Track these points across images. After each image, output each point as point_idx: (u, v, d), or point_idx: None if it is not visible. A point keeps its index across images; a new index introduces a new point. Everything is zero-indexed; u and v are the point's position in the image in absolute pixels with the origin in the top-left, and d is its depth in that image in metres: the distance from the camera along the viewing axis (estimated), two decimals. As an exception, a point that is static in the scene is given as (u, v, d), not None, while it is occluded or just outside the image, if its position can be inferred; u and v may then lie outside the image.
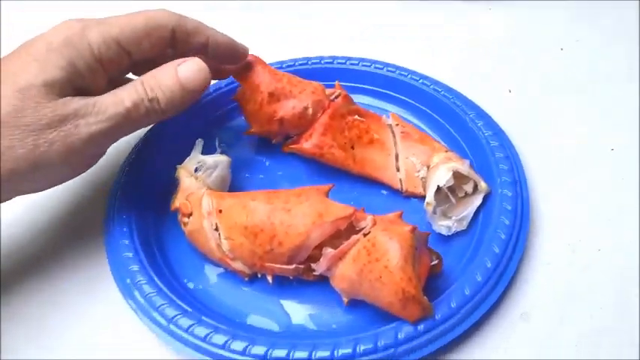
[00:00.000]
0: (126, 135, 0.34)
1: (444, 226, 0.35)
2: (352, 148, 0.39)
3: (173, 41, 0.36)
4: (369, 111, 0.41)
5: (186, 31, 0.36)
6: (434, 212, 0.35)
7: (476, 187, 0.37)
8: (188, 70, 0.34)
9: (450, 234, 0.36)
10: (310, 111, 0.39)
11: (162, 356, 0.33)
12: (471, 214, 0.36)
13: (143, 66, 0.36)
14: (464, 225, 0.36)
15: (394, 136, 0.40)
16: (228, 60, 0.39)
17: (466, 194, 0.37)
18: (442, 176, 0.35)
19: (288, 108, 0.39)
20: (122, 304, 0.34)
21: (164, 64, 0.34)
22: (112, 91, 0.33)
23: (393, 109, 0.44)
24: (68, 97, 0.31)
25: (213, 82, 0.39)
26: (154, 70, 0.34)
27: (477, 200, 0.36)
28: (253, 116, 0.41)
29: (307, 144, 0.39)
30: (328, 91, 0.40)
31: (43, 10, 0.58)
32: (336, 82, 0.41)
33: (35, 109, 0.30)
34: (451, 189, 0.36)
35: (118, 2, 0.56)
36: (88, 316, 0.34)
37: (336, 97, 0.40)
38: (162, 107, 0.34)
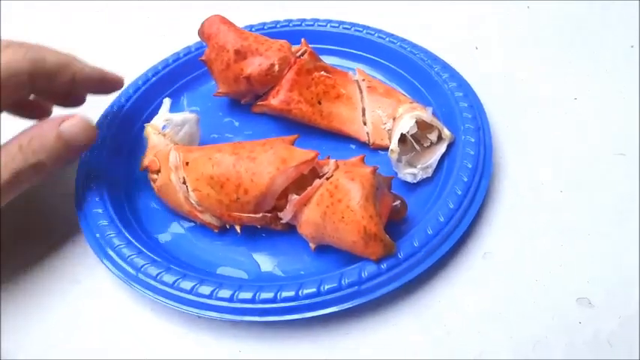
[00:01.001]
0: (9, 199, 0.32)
1: (409, 173, 0.36)
2: (319, 103, 0.40)
3: (33, 85, 0.33)
4: (336, 68, 0.41)
5: (47, 72, 0.33)
6: (399, 160, 0.36)
7: (440, 137, 0.37)
8: (72, 128, 0.32)
9: (415, 181, 0.36)
10: (277, 67, 0.39)
11: (135, 310, 0.33)
12: (436, 162, 0.36)
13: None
14: (429, 172, 0.36)
15: (361, 91, 0.40)
16: (101, 91, 0.38)
17: (431, 143, 0.37)
18: (406, 124, 0.36)
19: (254, 65, 0.39)
20: (94, 260, 0.34)
21: (44, 123, 0.32)
22: None
23: (363, 69, 0.44)
24: None
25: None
26: (32, 132, 0.31)
27: (442, 148, 0.37)
28: (221, 76, 0.41)
29: (275, 100, 0.39)
30: (294, 48, 0.41)
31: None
32: (302, 40, 0.41)
33: None
34: (416, 139, 0.37)
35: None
36: (60, 274, 0.35)
37: (302, 54, 0.40)
38: (48, 168, 0.32)
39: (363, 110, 0.40)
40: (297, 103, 0.39)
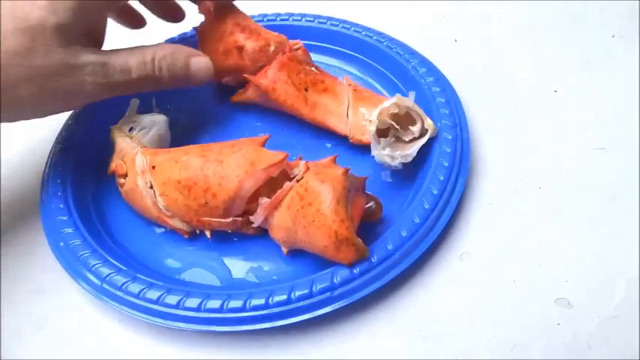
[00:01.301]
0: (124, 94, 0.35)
1: (387, 155, 0.34)
2: (306, 90, 0.38)
3: None
4: (326, 71, 0.40)
5: None
6: (378, 142, 0.34)
7: (423, 132, 0.35)
8: (200, 65, 0.36)
9: (394, 164, 0.34)
10: (272, 48, 0.38)
11: (102, 321, 0.32)
12: (415, 152, 0.34)
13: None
14: (408, 159, 0.34)
15: (348, 92, 0.38)
16: None
17: (414, 138, 0.35)
18: (387, 102, 0.34)
19: (250, 39, 0.39)
20: (59, 268, 0.33)
21: (178, 48, 0.35)
22: (122, 54, 0.33)
23: (334, 63, 0.43)
24: (78, 47, 0.31)
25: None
26: (167, 50, 0.35)
27: (423, 140, 0.35)
28: (211, 48, 0.40)
29: (263, 80, 0.38)
30: (291, 42, 0.40)
31: None
32: (298, 40, 0.40)
33: (46, 53, 0.29)
34: (399, 138, 0.35)
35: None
36: (23, 282, 0.34)
37: (297, 50, 0.39)
38: (164, 84, 0.35)
39: (347, 107, 0.38)
40: (283, 84, 0.38)
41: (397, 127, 0.34)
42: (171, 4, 0.41)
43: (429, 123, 0.35)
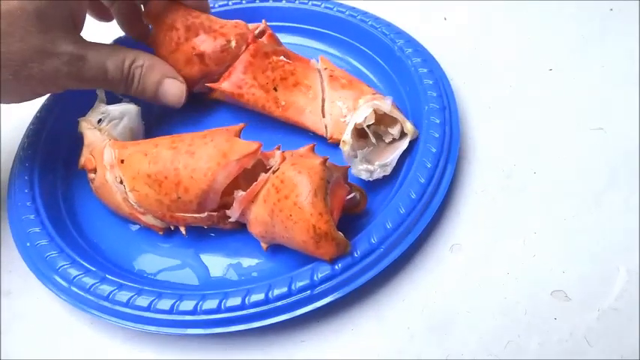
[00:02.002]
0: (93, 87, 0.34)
1: (364, 170, 0.32)
2: (275, 89, 0.36)
3: None
4: (297, 54, 0.37)
5: None
6: (353, 155, 0.32)
7: (403, 133, 0.33)
8: (171, 89, 0.36)
9: (371, 179, 0.32)
10: (233, 43, 0.36)
11: (72, 324, 0.30)
12: (395, 160, 0.32)
13: None
14: (387, 171, 0.32)
15: (322, 81, 0.36)
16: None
17: (394, 139, 0.33)
18: (361, 114, 0.32)
19: (208, 41, 0.36)
20: (27, 269, 0.31)
21: (156, 63, 0.35)
22: (102, 51, 0.32)
23: (318, 46, 0.41)
24: (57, 34, 0.30)
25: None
26: (147, 62, 0.34)
27: (403, 145, 0.33)
28: (170, 59, 0.37)
29: (226, 84, 0.36)
30: (252, 26, 0.37)
31: None
32: (263, 21, 0.38)
33: (23, 38, 0.29)
34: (378, 134, 0.33)
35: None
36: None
37: (261, 35, 0.37)
38: (133, 93, 0.35)
39: (323, 101, 0.36)
40: (249, 88, 0.36)
41: (373, 140, 0.32)
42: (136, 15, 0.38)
43: (408, 127, 0.33)
